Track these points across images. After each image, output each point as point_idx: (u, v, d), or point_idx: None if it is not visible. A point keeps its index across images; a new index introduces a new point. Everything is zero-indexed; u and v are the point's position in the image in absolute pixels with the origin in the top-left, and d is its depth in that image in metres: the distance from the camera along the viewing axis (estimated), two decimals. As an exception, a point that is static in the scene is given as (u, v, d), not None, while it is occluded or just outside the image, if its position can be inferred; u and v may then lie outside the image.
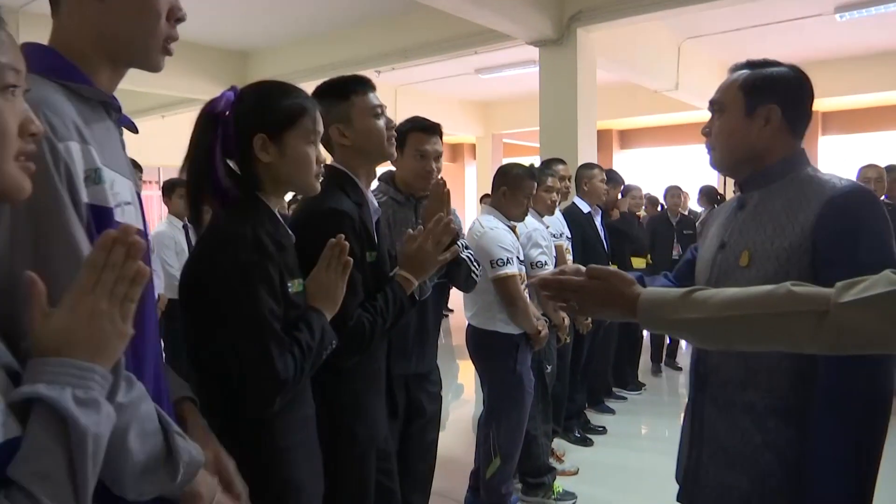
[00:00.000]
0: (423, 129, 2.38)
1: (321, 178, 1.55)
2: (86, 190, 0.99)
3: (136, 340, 1.03)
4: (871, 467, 1.29)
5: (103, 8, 1.04)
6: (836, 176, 1.43)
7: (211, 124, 1.42)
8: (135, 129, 1.21)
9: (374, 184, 2.40)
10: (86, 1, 1.04)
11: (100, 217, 1.00)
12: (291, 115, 1.44)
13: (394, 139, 1.96)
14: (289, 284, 1.44)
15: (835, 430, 1.29)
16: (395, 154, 2.00)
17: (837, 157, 12.19)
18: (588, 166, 4.55)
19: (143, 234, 1.13)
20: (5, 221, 0.90)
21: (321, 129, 1.52)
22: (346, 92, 1.88)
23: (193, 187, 1.45)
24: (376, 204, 1.97)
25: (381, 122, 1.90)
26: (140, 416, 0.99)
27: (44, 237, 0.93)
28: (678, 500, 1.59)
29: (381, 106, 1.91)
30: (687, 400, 1.63)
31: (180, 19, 1.13)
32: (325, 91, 1.90)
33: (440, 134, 2.43)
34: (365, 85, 1.92)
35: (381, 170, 2.27)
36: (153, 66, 1.13)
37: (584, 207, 4.36)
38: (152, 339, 1.16)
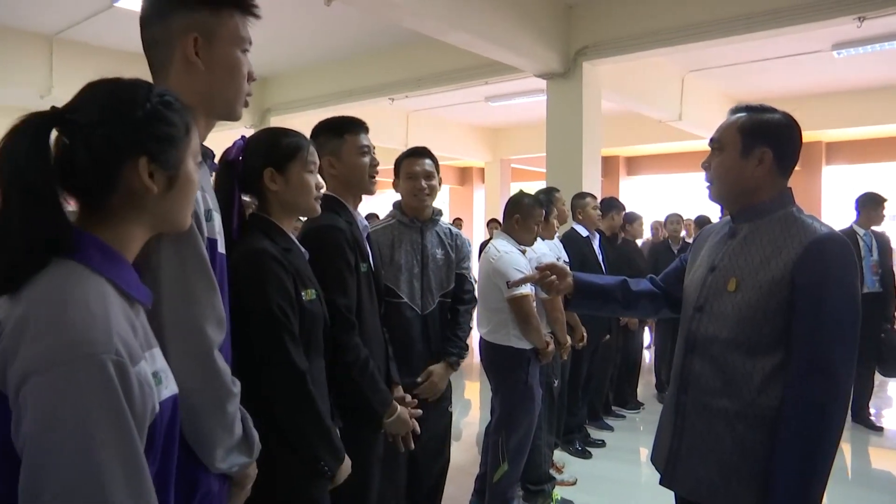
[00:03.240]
0: (411, 155, 2.67)
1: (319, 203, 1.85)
2: (206, 226, 1.27)
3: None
4: (825, 471, 1.51)
5: (207, 75, 1.30)
6: (817, 220, 1.62)
7: (228, 168, 1.72)
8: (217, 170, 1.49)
9: (388, 209, 2.75)
10: (193, 70, 1.29)
11: (210, 248, 1.29)
12: (292, 150, 1.76)
13: (375, 176, 2.25)
14: (302, 293, 1.71)
15: (800, 438, 1.50)
16: (375, 190, 2.27)
17: (842, 187, 12.39)
18: (580, 196, 4.82)
19: (225, 255, 1.41)
20: (154, 251, 1.16)
21: (317, 160, 1.83)
22: (342, 131, 2.20)
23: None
24: (365, 222, 2.27)
25: (366, 160, 2.21)
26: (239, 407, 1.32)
27: (189, 269, 1.21)
28: (660, 484, 1.79)
29: (368, 147, 2.22)
30: (669, 397, 1.84)
31: (255, 79, 1.41)
32: (324, 127, 2.23)
33: (430, 156, 2.68)
34: (358, 127, 2.23)
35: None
36: (237, 117, 1.40)
37: (583, 232, 4.65)
38: (228, 339, 1.43)
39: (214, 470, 1.27)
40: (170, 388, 0.98)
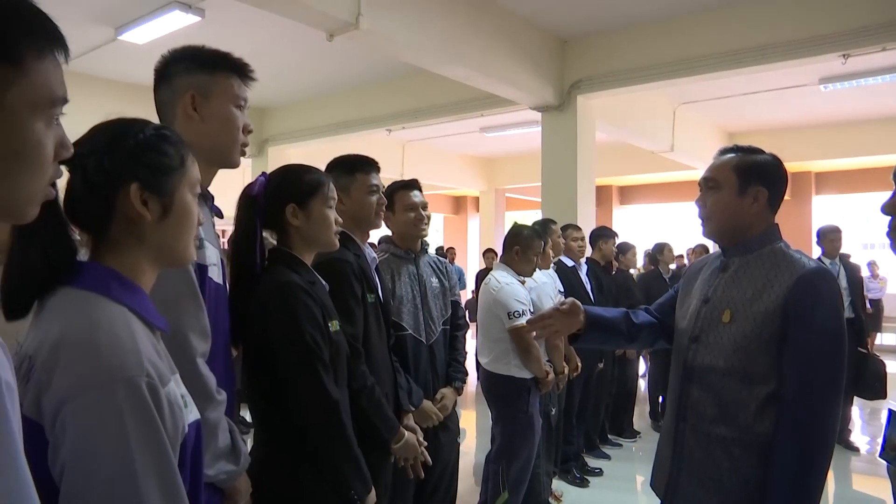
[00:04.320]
0: (404, 187, 2.72)
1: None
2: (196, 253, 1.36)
3: (217, 361, 1.40)
4: (819, 490, 1.58)
5: (204, 127, 1.48)
6: (804, 254, 1.72)
7: (250, 203, 1.78)
8: (221, 216, 1.60)
9: (378, 245, 2.82)
10: (192, 123, 1.47)
11: (200, 272, 1.41)
12: (314, 186, 1.82)
13: (382, 213, 2.33)
14: (329, 324, 1.76)
15: (792, 460, 1.57)
16: (381, 224, 2.35)
17: (831, 216, 12.57)
18: (564, 227, 4.84)
19: (224, 286, 1.50)
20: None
21: (335, 195, 1.89)
22: (353, 169, 2.30)
23: (241, 255, 1.76)
24: (374, 254, 2.34)
25: (374, 199, 2.30)
26: (223, 415, 1.40)
27: (174, 283, 1.32)
28: None
29: (378, 186, 2.31)
30: (667, 425, 1.90)
31: (251, 131, 1.58)
32: (337, 163, 2.32)
33: (419, 188, 2.77)
34: (370, 166, 2.32)
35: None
36: (235, 165, 1.56)
37: (569, 262, 4.73)
38: (227, 360, 1.54)
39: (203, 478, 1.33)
40: (193, 413, 1.02)
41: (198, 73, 1.48)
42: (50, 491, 0.84)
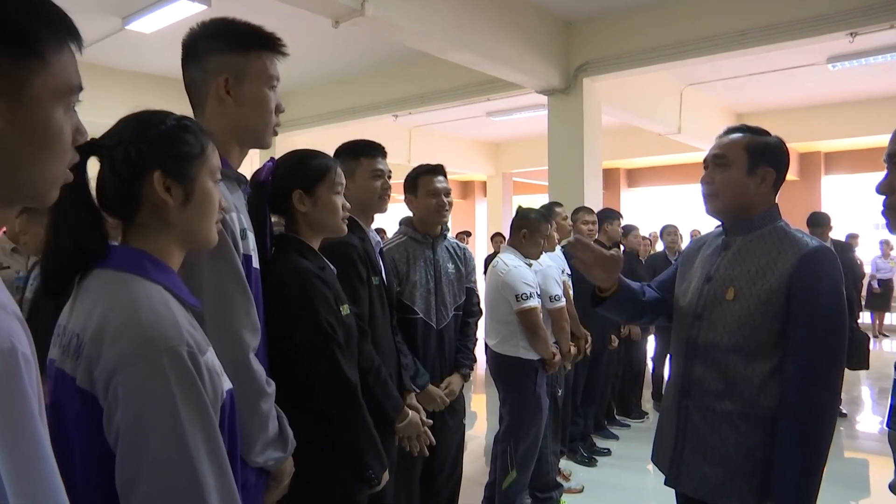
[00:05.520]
0: (429, 171, 2.73)
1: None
2: (241, 244, 1.40)
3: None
4: (823, 460, 1.63)
5: (238, 110, 1.45)
6: (805, 234, 1.77)
7: (258, 190, 1.78)
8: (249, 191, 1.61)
9: (398, 226, 2.84)
10: (225, 106, 1.45)
11: (246, 263, 1.42)
12: (321, 172, 1.82)
13: (387, 198, 2.35)
14: (340, 308, 1.79)
15: (797, 431, 1.63)
16: (386, 209, 2.37)
17: (841, 195, 12.51)
18: (575, 210, 4.85)
19: (260, 271, 1.53)
20: (197, 266, 1.29)
21: (343, 181, 1.90)
22: (358, 153, 2.31)
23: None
24: (378, 238, 2.36)
25: (378, 184, 2.31)
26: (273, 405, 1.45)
27: (227, 281, 1.35)
28: (666, 484, 1.90)
29: (382, 170, 2.32)
30: (669, 401, 1.94)
31: (283, 111, 1.55)
32: (343, 149, 2.34)
33: (444, 173, 2.76)
34: (375, 150, 2.33)
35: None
36: (266, 146, 1.55)
37: (577, 245, 4.71)
38: (264, 345, 1.55)
39: (252, 464, 1.38)
40: (228, 382, 1.09)
41: (230, 53, 1.43)
42: (106, 455, 0.92)
